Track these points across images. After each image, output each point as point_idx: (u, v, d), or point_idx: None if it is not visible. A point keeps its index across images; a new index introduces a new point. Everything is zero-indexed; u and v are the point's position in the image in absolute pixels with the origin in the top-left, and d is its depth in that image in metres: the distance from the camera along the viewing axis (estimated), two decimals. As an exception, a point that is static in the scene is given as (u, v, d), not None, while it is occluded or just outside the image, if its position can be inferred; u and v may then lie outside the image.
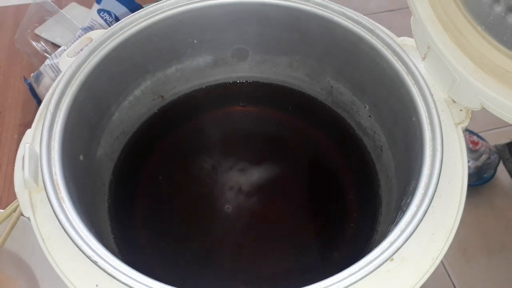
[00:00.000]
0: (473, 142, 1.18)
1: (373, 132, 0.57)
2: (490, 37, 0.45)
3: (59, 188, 0.42)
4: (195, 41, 0.57)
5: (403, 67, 0.49)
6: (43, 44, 0.83)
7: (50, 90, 0.48)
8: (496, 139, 1.24)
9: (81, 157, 0.49)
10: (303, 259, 0.50)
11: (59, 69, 0.71)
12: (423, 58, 0.51)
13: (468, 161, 1.10)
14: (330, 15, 0.52)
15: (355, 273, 0.38)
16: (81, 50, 0.50)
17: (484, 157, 1.18)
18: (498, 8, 0.44)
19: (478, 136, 1.21)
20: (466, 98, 0.48)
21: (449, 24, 0.48)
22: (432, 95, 0.47)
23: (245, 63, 0.61)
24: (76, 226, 0.40)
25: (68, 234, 0.40)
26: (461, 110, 0.49)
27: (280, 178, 0.55)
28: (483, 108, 0.47)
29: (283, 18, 0.54)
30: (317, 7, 0.53)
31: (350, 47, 0.53)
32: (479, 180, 1.19)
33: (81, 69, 0.49)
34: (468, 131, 1.19)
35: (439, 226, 0.42)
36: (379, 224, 0.52)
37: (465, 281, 1.09)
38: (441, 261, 0.40)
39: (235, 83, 0.63)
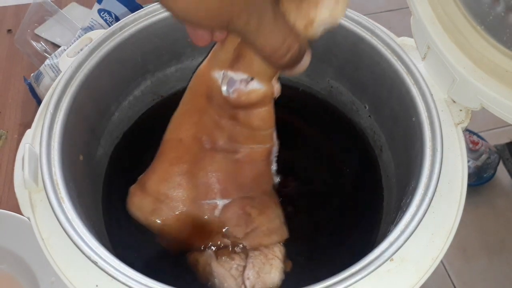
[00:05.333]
0: (473, 142, 1.18)
1: (373, 132, 0.57)
2: (489, 37, 0.46)
3: (59, 188, 0.42)
4: (195, 41, 0.57)
5: (403, 67, 0.49)
6: (43, 44, 0.83)
7: (50, 90, 0.48)
8: (496, 139, 1.24)
9: (81, 157, 0.49)
10: (304, 259, 0.50)
11: (59, 69, 0.71)
12: (423, 58, 0.51)
13: (468, 161, 1.10)
14: (330, 15, 0.52)
15: (355, 273, 0.38)
16: (81, 50, 0.50)
17: (484, 157, 1.18)
18: (498, 8, 0.44)
19: (478, 136, 1.21)
20: (465, 98, 0.48)
21: (449, 24, 0.48)
22: (432, 95, 0.47)
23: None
24: (76, 226, 0.40)
25: (68, 234, 0.40)
26: (461, 110, 0.49)
27: (279, 178, 0.55)
28: (483, 108, 0.47)
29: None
30: (317, 7, 0.53)
31: (350, 47, 0.53)
32: (479, 180, 1.19)
33: (81, 69, 0.49)
34: (468, 131, 1.19)
35: (439, 226, 0.42)
36: (379, 224, 0.52)
37: (465, 281, 1.10)
38: (441, 261, 0.40)
39: (235, 83, 0.62)
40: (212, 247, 0.47)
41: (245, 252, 0.46)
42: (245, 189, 0.49)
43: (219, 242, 0.47)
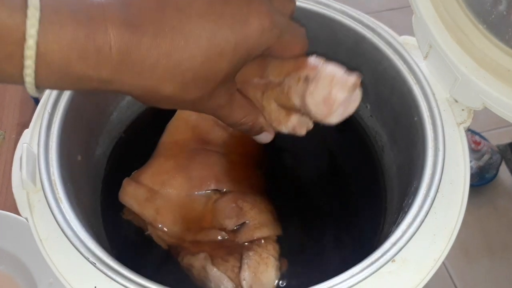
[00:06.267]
0: (475, 142, 1.18)
1: (375, 132, 0.57)
2: (492, 36, 0.45)
3: (57, 189, 0.42)
4: (195, 40, 0.56)
5: (404, 66, 0.49)
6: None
7: (48, 90, 0.48)
8: (498, 139, 1.24)
9: (79, 157, 0.49)
10: (305, 260, 0.50)
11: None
12: (425, 57, 0.51)
13: (470, 161, 1.09)
14: (331, 14, 0.52)
15: (357, 274, 0.38)
16: (80, 49, 0.50)
17: (486, 157, 1.18)
18: (500, 7, 0.43)
19: (480, 136, 1.20)
20: (468, 97, 0.48)
21: (451, 23, 0.48)
22: (434, 94, 0.47)
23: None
24: (74, 227, 0.40)
25: (66, 235, 0.40)
26: (463, 109, 0.49)
27: (279, 178, 0.54)
28: (485, 108, 0.47)
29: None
30: (318, 5, 0.53)
31: (351, 46, 0.53)
32: (481, 180, 1.19)
33: (79, 69, 0.48)
34: (470, 131, 1.19)
35: (441, 227, 0.42)
36: (381, 225, 0.51)
37: (467, 282, 1.09)
38: (443, 262, 0.40)
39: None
40: (204, 245, 0.47)
41: (239, 252, 0.46)
42: (238, 184, 0.50)
43: (210, 235, 0.48)
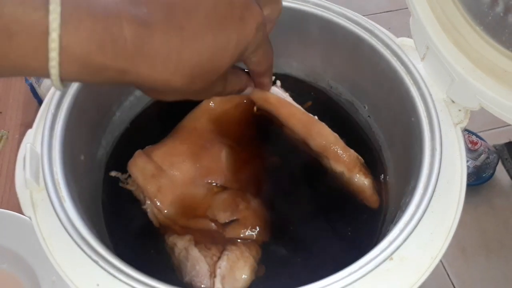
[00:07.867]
0: (472, 142, 1.18)
1: (372, 132, 0.57)
2: (488, 37, 0.46)
3: (60, 188, 0.42)
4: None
5: (402, 67, 0.49)
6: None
7: (51, 90, 0.48)
8: (495, 138, 1.24)
9: (82, 157, 0.49)
10: (303, 258, 0.50)
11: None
12: (422, 59, 0.52)
13: (467, 161, 1.09)
14: (330, 16, 0.53)
15: (354, 272, 0.38)
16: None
17: (483, 156, 1.18)
18: (497, 8, 0.44)
19: (477, 136, 1.20)
20: (464, 98, 0.48)
21: (448, 25, 0.48)
22: (431, 95, 0.47)
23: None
24: (77, 226, 0.40)
25: (69, 234, 0.40)
26: (460, 110, 0.49)
27: (278, 177, 0.55)
28: (482, 108, 0.47)
29: (283, 19, 0.54)
30: (317, 8, 0.53)
31: (349, 48, 0.54)
32: (478, 180, 1.19)
33: (82, 69, 0.49)
34: (467, 131, 1.19)
35: (438, 226, 0.42)
36: (378, 224, 0.52)
37: (464, 280, 1.10)
38: (440, 261, 0.41)
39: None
40: (192, 230, 0.49)
41: (223, 245, 0.47)
42: (241, 184, 0.52)
43: (201, 223, 0.49)
